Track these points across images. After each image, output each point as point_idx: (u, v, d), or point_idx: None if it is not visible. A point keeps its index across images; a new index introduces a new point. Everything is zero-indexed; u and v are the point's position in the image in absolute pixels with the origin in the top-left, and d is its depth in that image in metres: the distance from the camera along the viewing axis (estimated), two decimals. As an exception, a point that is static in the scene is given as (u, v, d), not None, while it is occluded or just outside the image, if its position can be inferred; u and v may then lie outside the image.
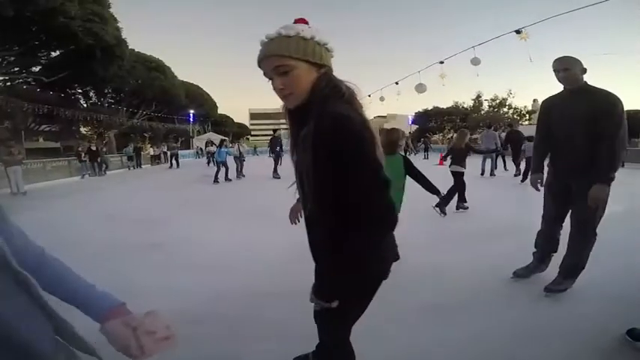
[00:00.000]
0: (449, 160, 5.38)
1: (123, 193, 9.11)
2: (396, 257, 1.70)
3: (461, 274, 2.80)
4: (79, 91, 23.74)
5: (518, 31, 7.91)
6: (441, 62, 12.05)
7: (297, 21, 0.98)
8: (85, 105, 24.55)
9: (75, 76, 18.83)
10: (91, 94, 24.84)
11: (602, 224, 2.24)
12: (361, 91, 1.00)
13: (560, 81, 2.27)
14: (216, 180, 9.89)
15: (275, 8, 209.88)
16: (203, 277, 2.84)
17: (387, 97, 17.22)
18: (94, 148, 13.57)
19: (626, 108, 2.11)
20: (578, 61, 2.21)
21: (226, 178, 10.21)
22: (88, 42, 15.32)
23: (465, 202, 5.24)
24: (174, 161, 17.58)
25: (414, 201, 3.35)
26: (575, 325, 2.00)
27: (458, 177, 5.20)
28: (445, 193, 4.59)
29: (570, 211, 2.38)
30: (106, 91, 24.82)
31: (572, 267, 2.34)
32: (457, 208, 5.19)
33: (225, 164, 10.29)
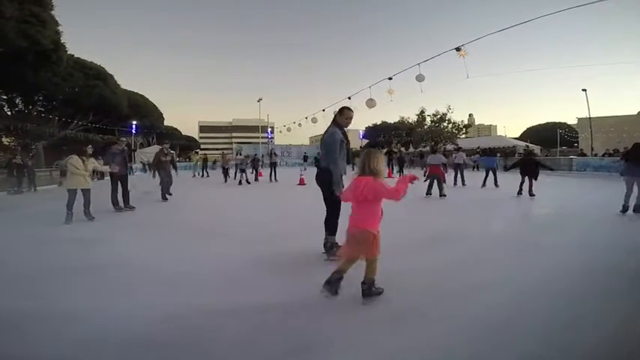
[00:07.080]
0: None
1: (52, 211, 7.11)
2: None
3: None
4: (4, 97, 21.18)
5: (457, 49, 8.84)
6: (390, 78, 13.13)
7: None
8: (9, 113, 21.94)
9: (0, 81, 16.84)
10: (18, 101, 22.28)
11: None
12: None
13: None
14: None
15: (227, 16, 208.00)
16: (149, 297, 2.59)
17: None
18: (19, 162, 11.72)
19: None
20: None
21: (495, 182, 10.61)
22: (21, 45, 13.90)
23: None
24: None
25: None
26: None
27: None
28: None
29: None
30: (35, 98, 22.45)
31: None
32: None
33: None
